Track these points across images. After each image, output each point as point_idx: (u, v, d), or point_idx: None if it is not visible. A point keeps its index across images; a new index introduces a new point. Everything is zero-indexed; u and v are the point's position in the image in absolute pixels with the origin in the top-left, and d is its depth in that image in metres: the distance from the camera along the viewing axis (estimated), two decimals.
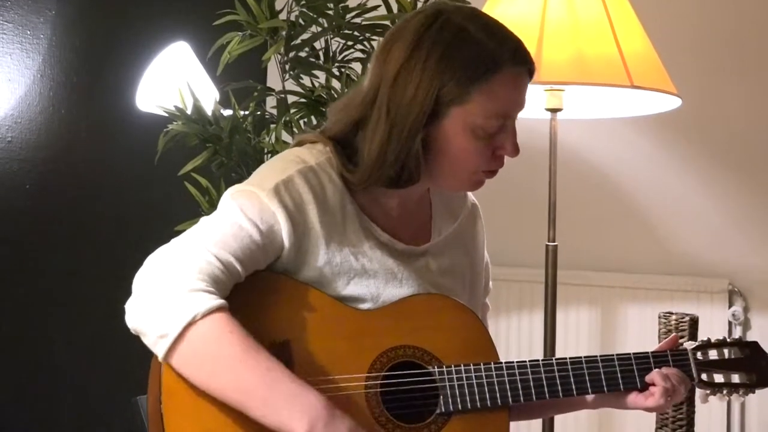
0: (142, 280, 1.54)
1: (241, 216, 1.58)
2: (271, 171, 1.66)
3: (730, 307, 3.28)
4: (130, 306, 1.54)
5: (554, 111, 2.71)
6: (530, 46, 2.51)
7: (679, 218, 3.42)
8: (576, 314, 3.46)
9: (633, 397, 1.77)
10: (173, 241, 1.58)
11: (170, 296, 1.50)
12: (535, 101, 2.86)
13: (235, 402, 1.50)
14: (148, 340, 1.52)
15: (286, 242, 1.61)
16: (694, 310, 3.24)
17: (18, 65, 3.11)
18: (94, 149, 3.33)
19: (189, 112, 2.76)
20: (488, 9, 2.72)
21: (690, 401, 2.92)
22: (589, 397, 1.82)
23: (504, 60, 1.61)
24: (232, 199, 1.62)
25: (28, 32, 3.13)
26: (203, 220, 1.61)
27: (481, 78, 1.60)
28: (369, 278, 1.69)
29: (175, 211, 2.72)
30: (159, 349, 1.50)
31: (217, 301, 1.50)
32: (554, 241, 2.77)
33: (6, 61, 3.07)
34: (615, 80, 2.53)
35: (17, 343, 3.12)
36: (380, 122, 1.63)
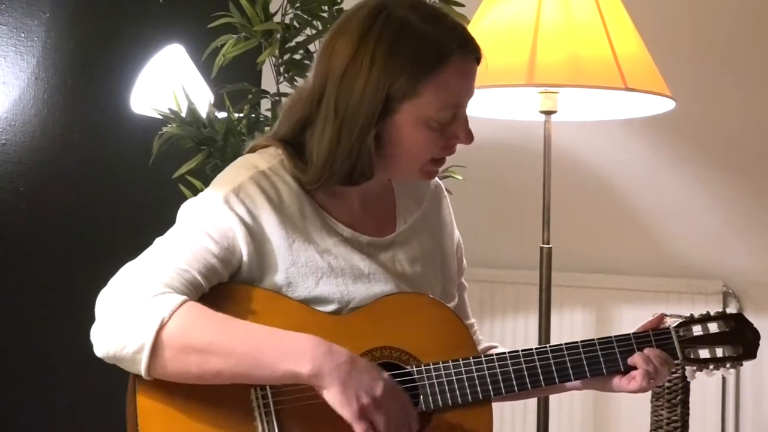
0: (102, 303, 1.54)
1: (196, 230, 1.58)
2: (223, 180, 1.66)
3: (724, 308, 3.28)
4: (95, 333, 1.53)
5: (548, 113, 2.72)
6: (524, 48, 2.54)
7: (673, 220, 3.42)
8: (570, 316, 3.46)
9: (617, 381, 1.77)
10: (131, 262, 1.57)
11: (132, 309, 1.49)
12: (530, 103, 2.87)
13: (237, 377, 1.51)
14: (125, 363, 1.51)
15: (244, 250, 1.60)
16: (689, 311, 3.23)
17: (12, 68, 3.11)
18: (88, 152, 3.33)
19: (183, 114, 2.76)
20: (482, 11, 2.73)
21: (684, 403, 2.92)
22: (575, 382, 1.82)
23: (451, 50, 1.61)
24: (187, 214, 1.62)
25: (23, 35, 3.13)
26: (157, 240, 1.61)
27: (430, 71, 1.60)
28: (337, 276, 1.67)
29: (169, 214, 2.69)
30: (140, 366, 1.49)
31: (179, 297, 1.50)
32: (549, 243, 2.77)
33: (0, 63, 3.06)
34: (609, 82, 2.53)
35: (12, 343, 3.12)
36: (328, 121, 1.62)
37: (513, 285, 3.53)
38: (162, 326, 1.48)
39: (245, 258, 1.61)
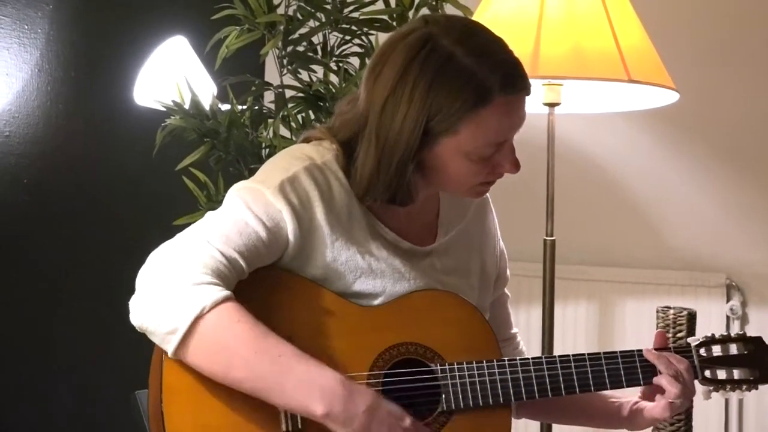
0: (145, 276, 1.53)
1: (246, 212, 1.57)
2: (276, 168, 1.64)
3: (727, 301, 3.28)
4: (134, 303, 1.53)
5: (552, 105, 2.71)
6: (528, 40, 2.53)
7: (676, 213, 3.42)
8: (574, 309, 3.46)
9: (648, 411, 1.77)
10: (176, 236, 1.57)
11: (175, 291, 1.49)
12: (533, 96, 2.86)
13: (253, 391, 1.50)
14: (155, 337, 1.52)
15: (291, 239, 1.60)
16: (692, 304, 3.24)
17: (16, 60, 3.11)
18: (91, 144, 3.33)
19: (187, 106, 2.76)
20: (486, 3, 2.72)
21: (688, 416, 2.92)
22: (614, 413, 1.82)
23: (494, 90, 1.56)
24: (237, 195, 1.60)
25: (26, 27, 3.13)
26: (208, 215, 1.60)
27: (470, 110, 1.56)
28: (376, 277, 1.67)
29: (172, 206, 2.72)
30: (168, 346, 1.50)
31: (223, 292, 1.49)
32: (552, 236, 2.77)
33: (3, 55, 3.06)
34: (613, 75, 2.52)
35: (15, 337, 3.12)
36: (370, 149, 1.61)
37: (516, 277, 3.49)
38: (200, 317, 1.47)
39: (290, 248, 1.61)
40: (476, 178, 1.65)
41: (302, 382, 1.48)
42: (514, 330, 1.96)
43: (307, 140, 1.73)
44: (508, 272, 1.97)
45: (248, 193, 1.60)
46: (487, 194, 1.86)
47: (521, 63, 1.63)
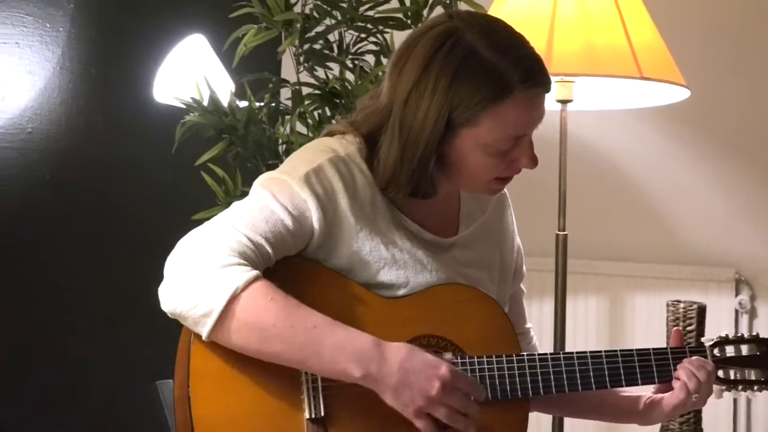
0: (174, 263, 1.53)
1: (272, 201, 1.58)
2: (301, 160, 1.65)
3: (736, 295, 3.27)
4: (164, 290, 1.53)
5: (564, 102, 2.71)
6: (541, 37, 2.53)
7: (686, 208, 3.41)
8: (585, 302, 3.46)
9: (665, 402, 1.75)
10: (204, 225, 1.58)
11: (206, 275, 1.50)
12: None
13: (291, 363, 1.52)
14: (188, 321, 1.52)
15: (317, 228, 1.60)
16: (702, 298, 3.23)
17: (38, 58, 3.12)
18: (112, 140, 3.33)
19: (205, 103, 2.76)
20: (499, 1, 2.71)
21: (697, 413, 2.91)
22: (629, 407, 1.82)
23: (514, 84, 1.57)
24: (264, 186, 1.61)
25: (48, 25, 3.13)
26: (234, 204, 1.61)
27: (490, 103, 1.56)
28: (399, 268, 1.67)
29: (191, 201, 2.72)
30: (203, 329, 1.50)
31: (252, 272, 1.50)
32: (564, 231, 2.77)
33: (26, 53, 3.07)
34: (624, 71, 2.52)
35: (37, 330, 3.13)
36: (393, 140, 1.61)
37: (528, 272, 3.49)
38: (234, 297, 1.48)
39: (315, 237, 1.61)
40: (493, 172, 1.65)
41: (337, 349, 1.50)
42: (528, 325, 1.96)
43: (330, 134, 1.74)
44: (524, 268, 1.97)
45: (274, 183, 1.61)
46: (505, 191, 1.86)
47: (542, 60, 1.63)
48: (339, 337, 1.51)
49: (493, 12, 2.69)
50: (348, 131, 1.70)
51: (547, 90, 1.63)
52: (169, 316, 1.54)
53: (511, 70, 1.57)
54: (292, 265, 1.61)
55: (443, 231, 1.76)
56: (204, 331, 1.50)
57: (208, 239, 1.53)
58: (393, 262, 1.67)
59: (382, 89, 1.67)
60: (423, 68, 1.58)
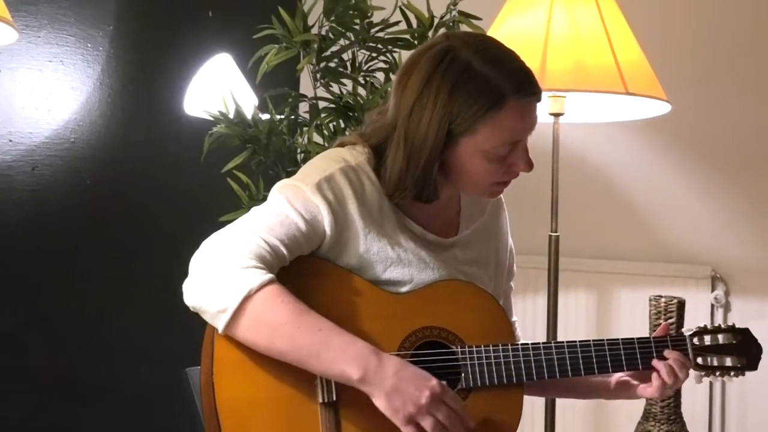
0: (197, 262, 1.54)
1: (287, 207, 1.58)
2: (314, 169, 1.64)
3: (712, 291, 3.26)
4: (187, 286, 1.54)
5: (556, 115, 2.70)
6: (535, 57, 2.52)
7: (667, 211, 3.40)
8: (575, 297, 3.45)
9: (640, 388, 1.75)
10: (226, 227, 1.58)
11: (225, 274, 1.50)
12: (540, 106, 2.84)
13: (296, 361, 1.51)
14: (207, 316, 1.53)
15: (328, 231, 1.60)
16: (681, 293, 3.22)
17: (80, 74, 3.12)
18: (146, 149, 3.34)
19: (231, 116, 2.76)
20: (498, 23, 2.71)
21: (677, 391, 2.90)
22: (601, 386, 1.81)
23: (508, 94, 1.57)
24: (279, 192, 1.61)
25: (89, 45, 3.14)
26: (253, 209, 1.60)
27: (487, 112, 1.56)
28: (404, 266, 1.67)
29: (218, 204, 2.72)
30: (219, 323, 1.51)
31: (267, 275, 1.50)
32: (556, 232, 2.76)
33: (70, 71, 3.07)
34: (611, 87, 2.51)
35: (77, 320, 3.13)
36: (399, 150, 1.61)
37: (523, 269, 3.47)
38: (248, 297, 1.48)
39: (327, 239, 1.61)
40: (493, 177, 1.65)
41: (339, 351, 1.50)
42: (514, 318, 1.95)
43: (341, 144, 1.73)
44: (515, 267, 1.96)
45: (289, 190, 1.61)
46: (501, 196, 1.86)
47: (532, 72, 1.63)
48: (341, 340, 1.50)
49: (491, 33, 2.68)
50: (358, 142, 1.70)
51: (538, 99, 1.63)
52: (191, 309, 1.54)
53: (505, 82, 1.57)
54: (306, 264, 1.61)
55: (444, 232, 1.75)
56: (219, 326, 1.51)
57: (230, 242, 1.53)
58: (398, 261, 1.67)
59: (388, 106, 1.67)
60: (424, 84, 1.58)
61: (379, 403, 1.50)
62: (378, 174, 1.65)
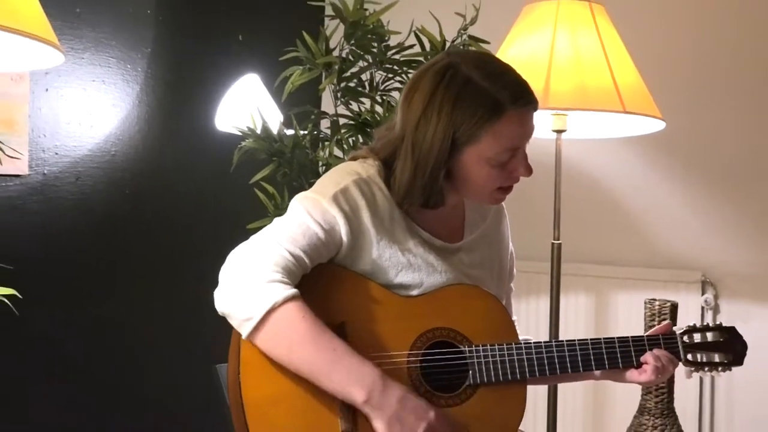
0: (227, 272, 1.53)
1: (307, 218, 1.57)
2: (330, 181, 1.64)
3: (703, 294, 3.25)
4: (218, 293, 1.53)
5: (559, 132, 2.69)
6: (540, 79, 2.51)
7: (661, 220, 3.39)
8: (575, 300, 3.43)
9: (630, 374, 1.73)
10: (251, 238, 1.57)
11: (252, 286, 1.49)
12: (543, 124, 2.84)
13: (308, 376, 1.50)
14: (234, 322, 1.52)
15: (345, 239, 1.59)
16: (674, 297, 3.21)
17: (120, 93, 3.13)
18: (180, 161, 3.34)
19: (258, 131, 2.76)
20: (505, 47, 2.70)
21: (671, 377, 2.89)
22: (596, 372, 1.79)
23: (506, 104, 1.56)
24: (300, 204, 1.60)
25: (129, 66, 3.15)
26: (276, 220, 1.60)
27: (487, 122, 1.56)
28: (414, 271, 1.66)
29: (246, 213, 2.72)
30: (244, 330, 1.50)
31: (291, 290, 1.50)
32: (558, 240, 2.75)
33: (111, 89, 3.08)
34: (610, 107, 2.50)
35: (117, 319, 3.14)
36: (407, 160, 1.61)
37: (527, 273, 3.50)
38: (272, 310, 1.48)
39: (343, 246, 1.60)
40: (495, 182, 1.64)
41: (348, 372, 1.48)
42: (514, 317, 1.94)
43: (354, 158, 1.73)
44: (515, 270, 1.94)
45: (308, 201, 1.60)
46: (503, 206, 1.85)
47: (528, 83, 1.62)
48: (352, 362, 1.49)
49: (499, 55, 2.67)
50: (369, 156, 1.70)
51: (535, 108, 1.62)
52: (220, 314, 1.54)
53: (503, 93, 1.56)
54: (325, 270, 1.61)
55: (451, 237, 1.74)
56: (244, 333, 1.50)
57: (257, 253, 1.53)
58: (409, 266, 1.66)
59: (395, 122, 1.66)
60: (429, 99, 1.58)
61: (378, 426, 1.49)
62: (388, 184, 1.65)
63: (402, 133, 1.62)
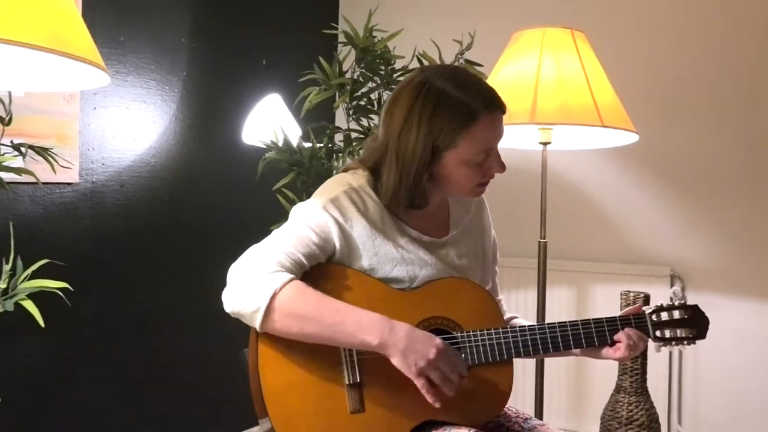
0: (233, 275, 1.53)
1: (303, 224, 1.57)
2: (324, 192, 1.64)
3: (671, 287, 3.25)
4: (225, 296, 1.52)
5: (545, 144, 2.68)
6: (527, 97, 2.51)
7: (635, 222, 3.38)
8: (559, 292, 3.42)
9: (605, 351, 1.72)
10: (252, 247, 1.57)
11: (255, 279, 1.49)
12: (531, 137, 2.83)
13: (324, 340, 1.50)
14: (245, 319, 1.51)
15: (337, 242, 1.59)
16: (646, 289, 3.21)
17: (159, 111, 3.13)
18: (212, 171, 3.34)
19: (280, 144, 2.76)
20: (497, 69, 2.70)
21: (643, 355, 2.89)
22: (574, 350, 1.78)
23: (479, 110, 1.55)
24: (297, 213, 1.61)
25: (167, 87, 3.14)
26: (275, 231, 1.60)
27: (463, 127, 1.55)
28: (407, 265, 1.65)
29: (269, 216, 2.72)
30: (256, 322, 1.49)
31: (288, 275, 1.50)
32: (544, 239, 2.74)
33: (150, 108, 3.08)
34: (590, 121, 2.49)
35: (156, 310, 3.13)
36: (392, 167, 1.60)
37: (517, 269, 3.50)
38: (274, 295, 1.47)
39: (337, 248, 1.60)
40: (474, 180, 1.63)
41: (358, 324, 1.48)
42: (500, 297, 1.92)
43: (345, 170, 1.72)
44: (498, 254, 1.91)
45: (303, 210, 1.61)
46: (483, 198, 1.84)
47: (497, 91, 1.61)
48: (357, 315, 1.49)
49: (492, 77, 2.67)
50: (358, 167, 1.69)
51: (503, 112, 1.61)
52: (231, 316, 1.53)
53: (476, 101, 1.55)
54: (328, 269, 1.60)
55: (438, 233, 1.73)
56: (257, 324, 1.50)
57: (258, 256, 1.53)
58: (402, 261, 1.65)
59: (376, 140, 1.66)
60: (408, 112, 1.57)
61: (396, 361, 1.49)
62: (377, 191, 1.64)
63: (385, 142, 1.61)
